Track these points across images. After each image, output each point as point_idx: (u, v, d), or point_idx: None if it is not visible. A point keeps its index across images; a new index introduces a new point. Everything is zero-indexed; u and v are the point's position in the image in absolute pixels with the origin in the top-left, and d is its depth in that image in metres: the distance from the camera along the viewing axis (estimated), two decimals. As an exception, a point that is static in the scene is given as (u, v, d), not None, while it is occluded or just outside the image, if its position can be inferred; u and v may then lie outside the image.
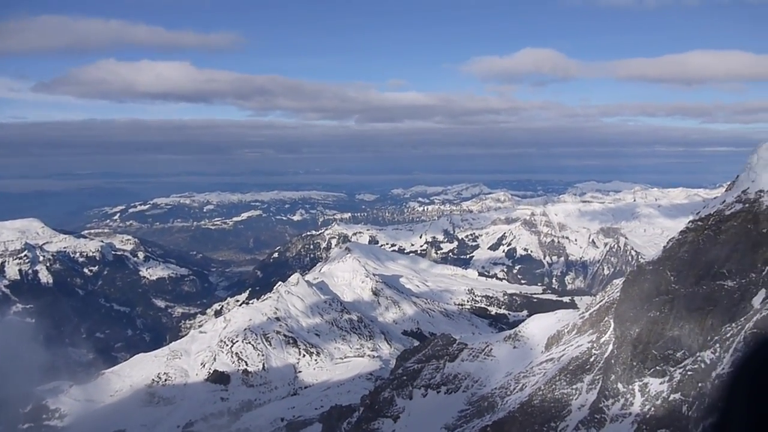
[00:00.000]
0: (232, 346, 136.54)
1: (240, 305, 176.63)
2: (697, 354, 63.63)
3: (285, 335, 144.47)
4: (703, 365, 61.21)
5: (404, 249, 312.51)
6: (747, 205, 69.41)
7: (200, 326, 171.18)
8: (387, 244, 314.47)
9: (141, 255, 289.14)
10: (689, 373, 62.68)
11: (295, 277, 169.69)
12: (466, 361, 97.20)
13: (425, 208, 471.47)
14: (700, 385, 59.85)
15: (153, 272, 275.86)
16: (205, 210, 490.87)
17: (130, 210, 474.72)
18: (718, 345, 61.38)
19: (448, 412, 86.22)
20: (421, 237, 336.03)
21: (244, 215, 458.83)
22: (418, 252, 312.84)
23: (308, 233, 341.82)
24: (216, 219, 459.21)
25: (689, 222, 78.89)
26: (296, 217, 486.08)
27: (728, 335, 60.55)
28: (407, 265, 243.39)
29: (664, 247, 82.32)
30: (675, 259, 76.44)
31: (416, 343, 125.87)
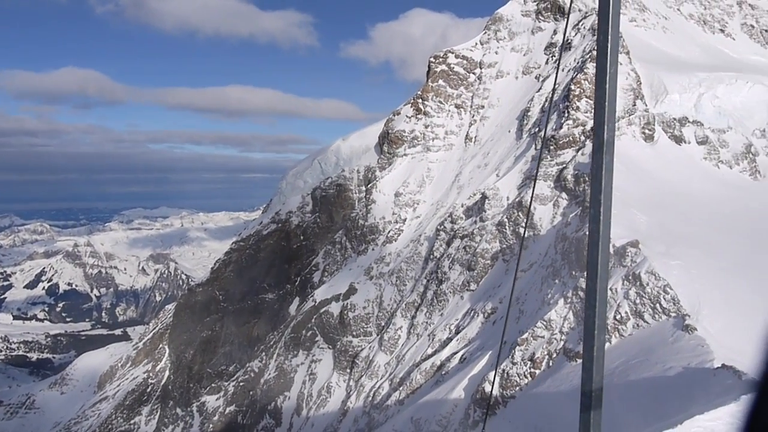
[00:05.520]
0: None
1: None
2: (247, 365, 68.74)
3: None
4: (252, 374, 66.42)
5: None
6: (280, 224, 78.51)
7: None
8: None
9: None
10: (241, 384, 67.21)
11: None
12: (3, 420, 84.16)
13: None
14: (251, 393, 64.72)
15: None
16: None
17: None
18: (264, 353, 67.52)
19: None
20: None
21: None
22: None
23: None
24: None
25: (233, 243, 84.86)
26: None
27: (272, 343, 67.17)
28: None
29: (212, 268, 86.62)
30: (223, 278, 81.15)
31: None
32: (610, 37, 2.79)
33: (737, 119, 52.39)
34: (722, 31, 77.68)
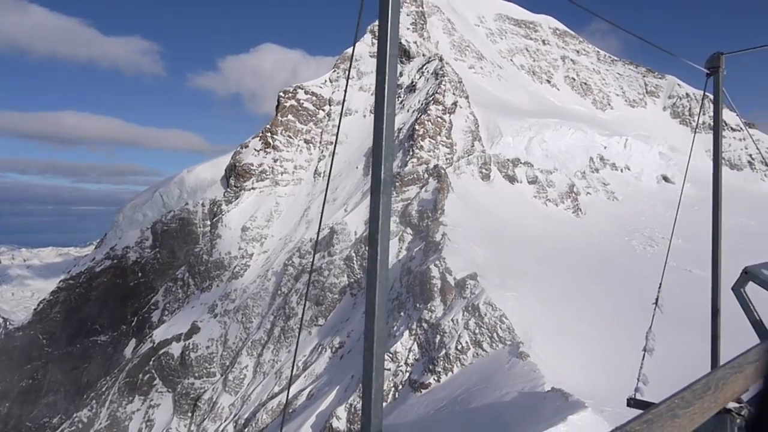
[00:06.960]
0: None
1: None
2: (75, 415, 62.48)
3: None
4: (80, 425, 60.44)
5: None
6: (115, 261, 73.23)
7: None
8: None
9: None
10: (67, 436, 60.82)
11: None
12: None
13: None
14: (77, 446, 58.73)
15: None
16: None
17: None
18: (94, 401, 61.83)
19: None
20: None
21: None
22: None
23: None
24: None
25: (60, 281, 77.73)
26: None
27: (104, 389, 61.77)
28: None
29: (35, 309, 78.55)
30: (47, 320, 73.76)
31: None
32: (387, 78, 2.75)
33: (562, 161, 57.65)
34: (548, 81, 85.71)
